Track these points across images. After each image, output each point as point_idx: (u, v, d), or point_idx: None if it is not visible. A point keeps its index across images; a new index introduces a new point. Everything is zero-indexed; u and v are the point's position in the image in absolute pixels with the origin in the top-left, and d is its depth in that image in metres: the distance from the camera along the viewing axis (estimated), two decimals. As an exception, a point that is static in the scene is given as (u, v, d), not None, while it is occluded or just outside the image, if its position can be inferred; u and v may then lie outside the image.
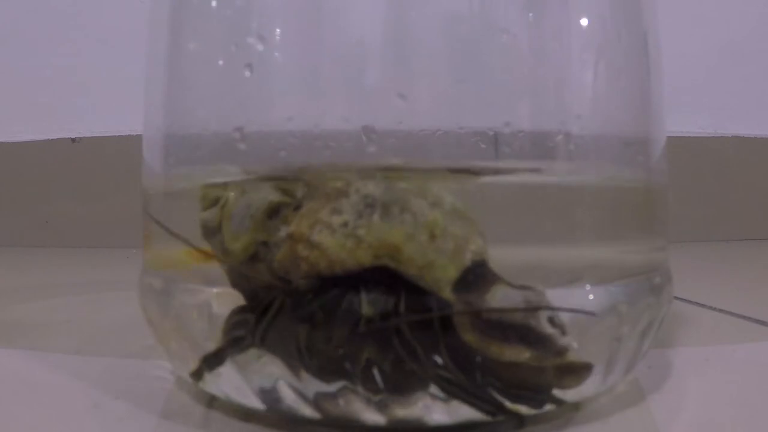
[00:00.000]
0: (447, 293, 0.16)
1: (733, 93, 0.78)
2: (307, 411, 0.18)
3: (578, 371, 0.17)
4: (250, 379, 0.19)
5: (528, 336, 0.16)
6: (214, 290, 0.19)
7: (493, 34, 0.20)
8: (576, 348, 0.17)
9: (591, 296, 0.19)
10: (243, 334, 0.18)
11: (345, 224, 0.16)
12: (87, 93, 0.74)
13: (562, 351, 0.16)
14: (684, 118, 0.74)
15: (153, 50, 0.23)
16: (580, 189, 0.20)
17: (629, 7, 0.22)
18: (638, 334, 0.20)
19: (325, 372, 0.17)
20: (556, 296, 0.19)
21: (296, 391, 0.18)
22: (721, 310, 0.35)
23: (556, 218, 0.20)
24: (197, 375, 0.20)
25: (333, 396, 0.18)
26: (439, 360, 0.16)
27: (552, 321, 0.16)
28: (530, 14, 0.20)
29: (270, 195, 0.18)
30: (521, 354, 0.16)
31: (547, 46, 0.20)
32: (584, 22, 0.21)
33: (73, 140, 0.75)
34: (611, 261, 0.21)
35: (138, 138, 0.23)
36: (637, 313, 0.20)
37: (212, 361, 0.19)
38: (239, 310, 0.18)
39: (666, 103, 0.23)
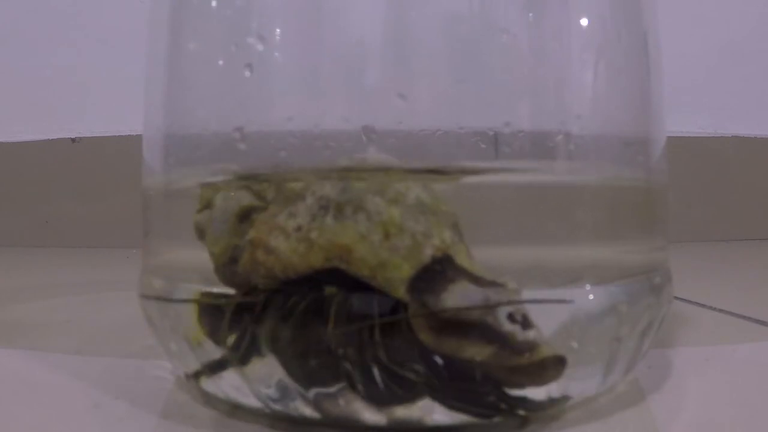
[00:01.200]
0: (401, 293, 0.16)
1: (733, 93, 0.78)
2: (307, 411, 0.18)
3: (552, 366, 0.16)
4: (250, 379, 0.19)
5: (485, 334, 0.16)
6: (214, 290, 0.19)
7: (493, 34, 0.20)
8: (546, 341, 0.16)
9: (591, 296, 0.19)
10: (238, 340, 0.18)
11: (299, 228, 0.16)
12: (87, 93, 0.74)
13: (526, 347, 0.16)
14: (684, 118, 0.74)
15: (153, 50, 0.23)
16: (580, 189, 0.20)
17: (629, 7, 0.22)
18: (638, 334, 0.20)
19: (300, 376, 0.17)
20: (556, 296, 0.19)
21: (296, 391, 0.18)
22: (721, 310, 0.35)
23: (556, 218, 0.20)
24: (195, 378, 0.20)
25: (333, 396, 0.18)
26: (415, 364, 0.16)
27: (512, 317, 0.16)
28: (530, 14, 0.20)
29: (242, 198, 0.18)
30: (479, 353, 0.16)
31: (547, 46, 0.20)
32: (584, 22, 0.21)
33: (73, 140, 0.75)
34: (611, 261, 0.21)
35: (138, 138, 0.23)
36: (637, 313, 0.20)
37: (215, 367, 0.19)
38: (233, 311, 0.18)
39: (666, 103, 0.23)
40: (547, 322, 0.18)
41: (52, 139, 0.75)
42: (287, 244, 0.16)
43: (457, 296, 0.16)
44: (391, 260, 0.16)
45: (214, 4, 0.21)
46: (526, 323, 0.16)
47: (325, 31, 0.20)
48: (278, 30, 0.20)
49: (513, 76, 0.20)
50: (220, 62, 0.21)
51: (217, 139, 0.20)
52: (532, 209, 0.20)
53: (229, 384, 0.19)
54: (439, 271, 0.16)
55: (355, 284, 0.16)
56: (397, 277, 0.16)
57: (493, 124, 0.20)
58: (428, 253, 0.16)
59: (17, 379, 0.24)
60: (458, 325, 0.16)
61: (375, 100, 0.20)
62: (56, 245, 0.74)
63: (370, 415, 0.17)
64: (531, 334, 0.16)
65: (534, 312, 0.18)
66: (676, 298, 0.24)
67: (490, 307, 0.16)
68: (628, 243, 0.22)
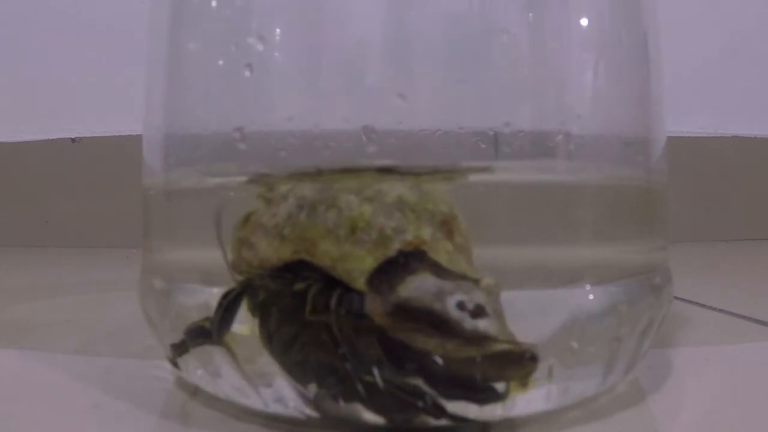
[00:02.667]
0: (359, 284, 0.16)
1: (733, 93, 0.78)
2: (307, 411, 0.18)
3: (517, 361, 0.16)
4: (250, 379, 0.19)
5: (433, 323, 0.16)
6: (214, 290, 0.19)
7: (493, 34, 0.20)
8: (511, 335, 0.16)
9: (591, 296, 0.19)
10: (201, 324, 0.19)
11: (276, 226, 0.18)
12: (87, 93, 0.74)
13: (475, 337, 0.16)
14: (684, 118, 0.74)
15: (153, 50, 0.23)
16: (580, 189, 0.20)
17: (629, 7, 0.22)
18: (638, 334, 0.20)
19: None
20: (556, 296, 0.19)
21: (296, 391, 0.18)
22: (721, 310, 0.35)
23: (556, 218, 0.20)
24: (172, 362, 0.21)
25: (333, 396, 0.18)
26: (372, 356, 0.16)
27: (462, 306, 0.16)
28: (530, 14, 0.20)
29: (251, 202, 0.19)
30: (427, 342, 0.16)
31: (547, 46, 0.20)
32: (584, 22, 0.21)
33: (73, 140, 0.75)
34: (611, 261, 0.21)
35: (138, 138, 0.23)
36: (637, 313, 0.20)
37: (178, 349, 0.20)
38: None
39: (666, 103, 0.23)
40: (548, 322, 0.19)
41: (52, 139, 0.75)
42: (265, 240, 0.18)
43: (412, 287, 0.16)
44: (354, 253, 0.17)
45: (214, 4, 0.21)
46: (477, 313, 0.16)
47: (326, 31, 0.20)
48: (278, 30, 0.20)
49: (513, 76, 0.20)
50: (220, 62, 0.21)
51: (217, 139, 0.21)
52: (532, 209, 0.20)
53: (230, 384, 0.19)
54: (402, 263, 0.16)
55: (326, 277, 0.17)
56: (358, 268, 0.16)
57: (493, 124, 0.20)
58: (395, 246, 0.16)
59: (17, 379, 0.24)
60: (411, 315, 0.16)
61: (375, 100, 0.20)
62: (56, 245, 0.74)
63: (370, 415, 0.17)
64: (481, 324, 0.16)
65: (534, 311, 0.18)
66: (676, 298, 0.24)
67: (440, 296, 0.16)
68: (628, 243, 0.22)
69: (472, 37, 0.20)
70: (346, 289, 0.17)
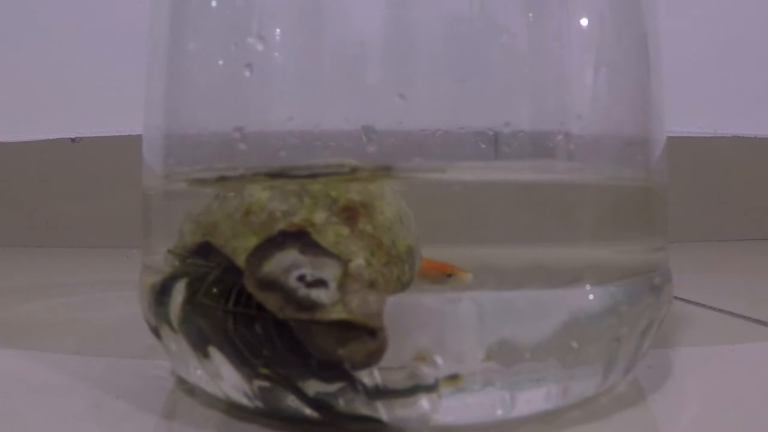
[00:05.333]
0: (241, 260, 0.18)
1: (733, 93, 0.78)
2: (307, 411, 0.18)
3: (357, 335, 0.17)
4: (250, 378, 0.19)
5: (277, 290, 0.17)
6: (214, 290, 0.19)
7: (493, 34, 0.20)
8: (355, 310, 0.17)
9: (591, 296, 0.19)
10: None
11: (198, 214, 0.20)
12: (87, 93, 0.74)
13: (307, 304, 0.17)
14: (684, 118, 0.74)
15: (153, 50, 0.23)
16: (580, 189, 0.20)
17: (629, 7, 0.22)
18: (638, 334, 0.20)
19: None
20: (556, 296, 0.19)
21: (296, 391, 0.18)
22: (721, 310, 0.35)
23: (556, 218, 0.20)
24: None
25: (333, 396, 0.18)
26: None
27: (302, 278, 0.17)
28: (530, 14, 0.20)
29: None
30: (273, 305, 0.17)
31: (547, 46, 0.20)
32: (584, 22, 0.21)
33: (73, 140, 0.75)
34: (611, 261, 0.21)
35: (138, 138, 0.23)
36: (637, 313, 0.20)
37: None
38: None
39: (666, 103, 0.23)
40: (548, 322, 0.19)
41: (52, 139, 0.75)
42: (187, 226, 0.20)
43: (273, 262, 0.17)
44: (243, 232, 0.18)
45: (214, 4, 0.21)
46: (313, 284, 0.17)
47: (326, 31, 0.20)
48: (278, 30, 0.20)
49: (513, 76, 0.20)
50: (220, 62, 0.21)
51: (217, 139, 0.21)
52: (532, 209, 0.20)
53: (230, 384, 0.19)
54: (278, 242, 0.18)
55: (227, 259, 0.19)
56: (243, 246, 0.18)
57: (493, 124, 0.20)
58: (279, 226, 0.18)
59: (17, 379, 0.24)
60: (267, 286, 0.18)
61: (375, 100, 0.20)
62: (56, 245, 0.74)
63: (370, 413, 0.18)
64: (314, 293, 0.17)
65: (534, 311, 0.18)
66: (676, 298, 0.24)
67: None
68: (628, 243, 0.22)
69: (472, 37, 0.20)
70: (236, 268, 0.18)
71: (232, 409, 0.20)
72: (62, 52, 0.75)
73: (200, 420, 0.20)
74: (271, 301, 0.17)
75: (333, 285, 0.17)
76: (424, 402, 0.17)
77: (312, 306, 0.17)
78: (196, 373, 0.20)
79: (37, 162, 0.76)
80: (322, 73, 0.20)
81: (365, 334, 0.17)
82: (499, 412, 0.18)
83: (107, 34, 0.73)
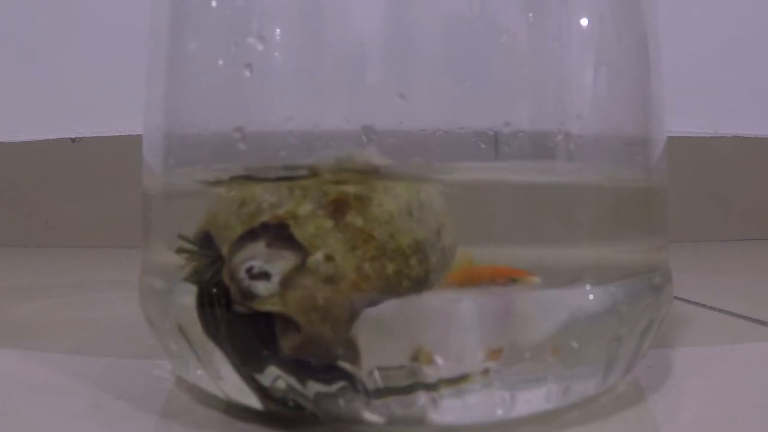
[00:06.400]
0: (226, 249, 0.19)
1: (733, 93, 0.77)
2: (307, 411, 0.18)
3: (285, 328, 0.18)
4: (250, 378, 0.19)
5: (235, 282, 0.18)
6: (214, 290, 0.19)
7: (493, 34, 0.20)
8: (289, 305, 0.17)
9: (591, 296, 0.19)
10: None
11: (209, 207, 0.20)
12: (87, 93, 0.74)
13: (246, 294, 0.18)
14: (684, 118, 0.74)
15: (153, 50, 0.23)
16: (580, 189, 0.20)
17: (629, 7, 0.22)
18: (638, 334, 0.20)
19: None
20: (556, 296, 0.19)
21: (296, 391, 0.18)
22: (721, 310, 0.35)
23: (556, 218, 0.20)
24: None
25: (333, 396, 0.18)
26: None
27: (249, 270, 0.18)
28: (530, 14, 0.20)
29: None
30: (234, 296, 0.18)
31: (547, 46, 0.20)
32: (584, 22, 0.21)
33: (73, 140, 0.75)
34: (611, 261, 0.21)
35: (138, 138, 0.23)
36: (637, 313, 0.20)
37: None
38: None
39: (666, 103, 0.23)
40: (548, 322, 0.19)
41: (52, 139, 0.75)
42: (201, 217, 0.20)
43: (241, 252, 0.18)
44: (233, 223, 0.19)
45: (214, 4, 0.21)
46: (257, 276, 0.18)
47: (326, 31, 0.20)
48: (278, 30, 0.20)
49: (513, 76, 0.20)
50: (220, 62, 0.21)
51: (217, 139, 0.21)
52: (532, 209, 0.20)
53: (229, 384, 0.19)
54: (255, 234, 0.18)
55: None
56: (229, 236, 0.19)
57: (493, 124, 0.20)
58: (262, 219, 0.18)
59: (17, 379, 0.24)
60: (231, 276, 0.18)
61: (375, 100, 0.20)
62: (56, 245, 0.74)
63: (370, 415, 0.17)
64: (254, 285, 0.18)
65: (534, 311, 0.18)
66: (676, 298, 0.24)
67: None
68: (628, 243, 0.22)
69: (472, 37, 0.20)
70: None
71: (232, 409, 0.20)
72: (62, 52, 0.75)
73: (200, 420, 0.20)
74: (231, 292, 0.18)
75: (276, 278, 0.17)
76: (424, 402, 0.17)
77: (251, 297, 0.17)
78: (196, 373, 0.20)
79: (37, 162, 0.76)
80: (322, 73, 0.20)
81: (293, 329, 0.17)
82: (499, 412, 0.18)
83: (107, 34, 0.73)
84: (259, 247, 0.18)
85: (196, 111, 0.21)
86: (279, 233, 0.18)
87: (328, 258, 0.17)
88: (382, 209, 0.18)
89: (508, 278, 0.20)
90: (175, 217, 0.22)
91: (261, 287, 0.17)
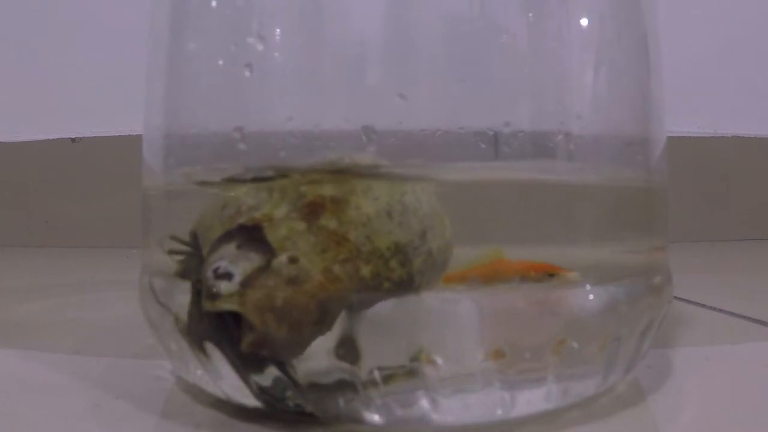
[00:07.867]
0: (206, 250, 0.19)
1: (733, 93, 0.77)
2: (308, 410, 0.18)
3: (242, 328, 0.18)
4: (250, 378, 0.19)
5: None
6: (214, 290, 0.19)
7: (493, 34, 0.20)
8: (251, 305, 0.18)
9: (591, 296, 0.19)
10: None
11: (202, 209, 0.21)
12: (87, 93, 0.74)
13: (208, 294, 0.18)
14: (684, 118, 0.74)
15: (153, 50, 0.23)
16: (580, 189, 0.20)
17: (629, 7, 0.22)
18: (638, 334, 0.20)
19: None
20: (557, 296, 0.19)
21: (296, 391, 0.18)
22: (721, 310, 0.35)
23: (556, 218, 0.20)
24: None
25: (333, 396, 0.18)
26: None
27: (215, 271, 0.18)
28: (530, 14, 0.20)
29: None
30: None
31: (547, 46, 0.20)
32: (584, 22, 0.21)
33: (73, 140, 0.75)
34: (611, 261, 0.21)
35: (138, 138, 0.23)
36: (637, 313, 0.20)
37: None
38: None
39: (666, 103, 0.23)
40: (548, 322, 0.19)
41: (52, 139, 0.75)
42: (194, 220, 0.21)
43: (216, 253, 0.18)
44: (214, 224, 0.19)
45: (214, 4, 0.21)
46: (220, 276, 0.18)
47: (326, 31, 0.20)
48: (278, 30, 0.20)
49: (513, 76, 0.20)
50: (220, 62, 0.21)
51: (217, 139, 0.21)
52: (532, 209, 0.20)
53: (229, 384, 0.19)
54: (232, 235, 0.18)
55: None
56: (211, 237, 0.19)
57: (493, 124, 0.20)
58: (240, 220, 0.19)
59: (17, 379, 0.24)
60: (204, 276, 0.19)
61: (375, 100, 0.20)
62: (56, 245, 0.74)
63: (370, 415, 0.18)
64: (216, 284, 0.18)
65: (534, 311, 0.18)
66: (676, 298, 0.24)
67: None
68: (628, 243, 0.22)
69: (472, 37, 0.20)
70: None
71: (232, 409, 0.20)
72: (62, 52, 0.75)
73: (200, 420, 0.20)
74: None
75: (237, 278, 0.18)
76: (424, 402, 0.17)
77: (214, 296, 0.18)
78: (196, 373, 0.20)
79: (37, 162, 0.76)
80: (322, 73, 0.20)
81: (248, 328, 0.17)
82: (499, 412, 0.18)
83: (107, 34, 0.73)
84: (230, 248, 0.18)
85: (196, 111, 0.21)
86: (252, 235, 0.18)
87: (292, 260, 0.18)
88: (360, 212, 0.18)
89: (545, 273, 0.20)
90: (175, 217, 0.22)
91: (222, 287, 0.18)
